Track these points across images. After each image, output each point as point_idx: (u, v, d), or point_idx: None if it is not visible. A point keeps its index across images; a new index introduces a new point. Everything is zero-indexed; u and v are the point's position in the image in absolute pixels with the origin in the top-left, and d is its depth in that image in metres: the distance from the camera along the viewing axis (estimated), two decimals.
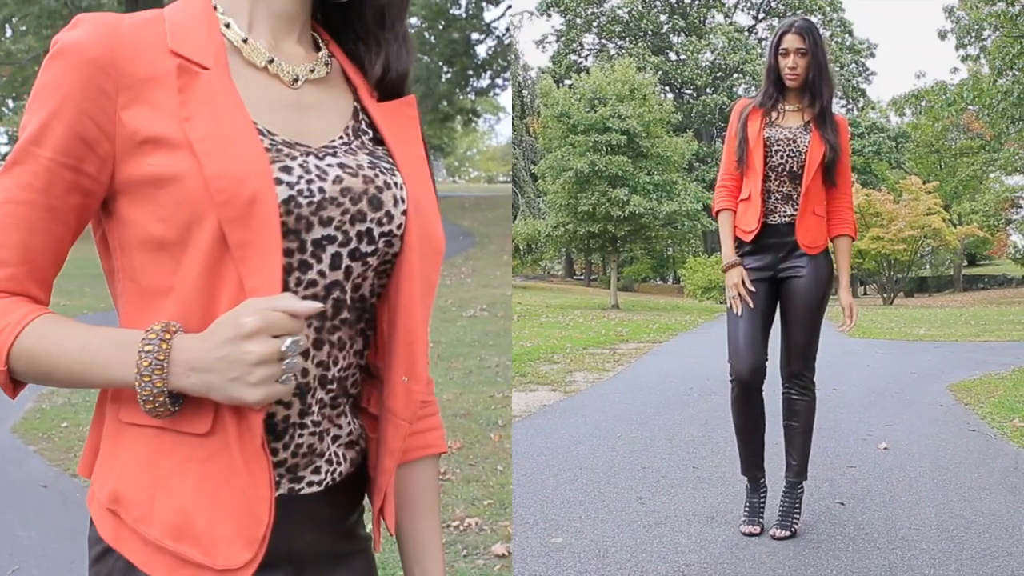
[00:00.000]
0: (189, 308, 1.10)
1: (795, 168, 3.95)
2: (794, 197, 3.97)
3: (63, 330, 1.11)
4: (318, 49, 1.30)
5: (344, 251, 1.17)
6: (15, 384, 1.14)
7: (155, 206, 1.09)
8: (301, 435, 1.19)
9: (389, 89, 1.31)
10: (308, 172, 1.14)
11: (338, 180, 1.16)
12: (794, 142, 3.94)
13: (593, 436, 6.33)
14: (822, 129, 3.94)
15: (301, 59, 1.25)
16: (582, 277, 33.98)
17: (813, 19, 32.40)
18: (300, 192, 1.12)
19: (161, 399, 1.07)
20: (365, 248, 1.19)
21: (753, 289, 3.97)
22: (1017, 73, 17.25)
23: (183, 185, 1.07)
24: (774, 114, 4.02)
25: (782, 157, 3.94)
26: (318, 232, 1.14)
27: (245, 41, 1.20)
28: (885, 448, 5.88)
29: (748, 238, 4.00)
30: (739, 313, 3.99)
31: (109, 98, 1.10)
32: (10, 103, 29.29)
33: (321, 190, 1.14)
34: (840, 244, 4.07)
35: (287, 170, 1.12)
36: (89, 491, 1.19)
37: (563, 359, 10.99)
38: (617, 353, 11.84)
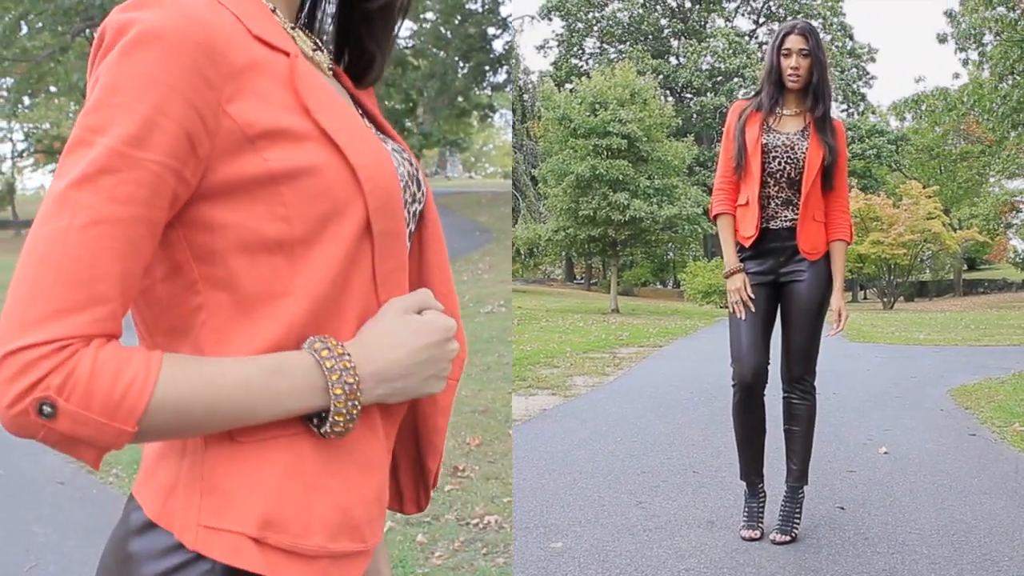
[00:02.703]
0: (318, 307, 1.05)
1: (793, 175, 3.95)
2: (794, 202, 3.97)
3: (208, 369, 0.98)
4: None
5: (408, 232, 1.20)
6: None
7: (271, 204, 1.01)
8: None
9: (362, 76, 1.34)
10: (392, 158, 1.16)
11: (401, 164, 1.18)
12: (792, 149, 3.93)
13: (593, 440, 6.32)
14: (822, 133, 3.94)
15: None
16: (582, 281, 33.98)
17: (813, 23, 32.44)
18: (400, 178, 1.15)
19: (355, 414, 1.04)
20: (412, 227, 1.22)
21: (754, 295, 3.98)
22: (1018, 78, 17.27)
23: (321, 178, 1.02)
24: (772, 119, 4.01)
25: (780, 164, 3.94)
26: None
27: (292, 28, 1.18)
28: (885, 452, 5.87)
29: (748, 243, 4.00)
30: (742, 318, 3.99)
31: (214, 89, 0.97)
32: (25, 100, 29.34)
33: (402, 175, 1.16)
34: (836, 248, 4.06)
35: (390, 156, 1.14)
36: (190, 533, 1.02)
37: (563, 363, 10.98)
38: (617, 357, 11.84)
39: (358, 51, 1.32)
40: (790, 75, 3.95)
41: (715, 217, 4.15)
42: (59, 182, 0.94)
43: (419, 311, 1.13)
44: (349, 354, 1.04)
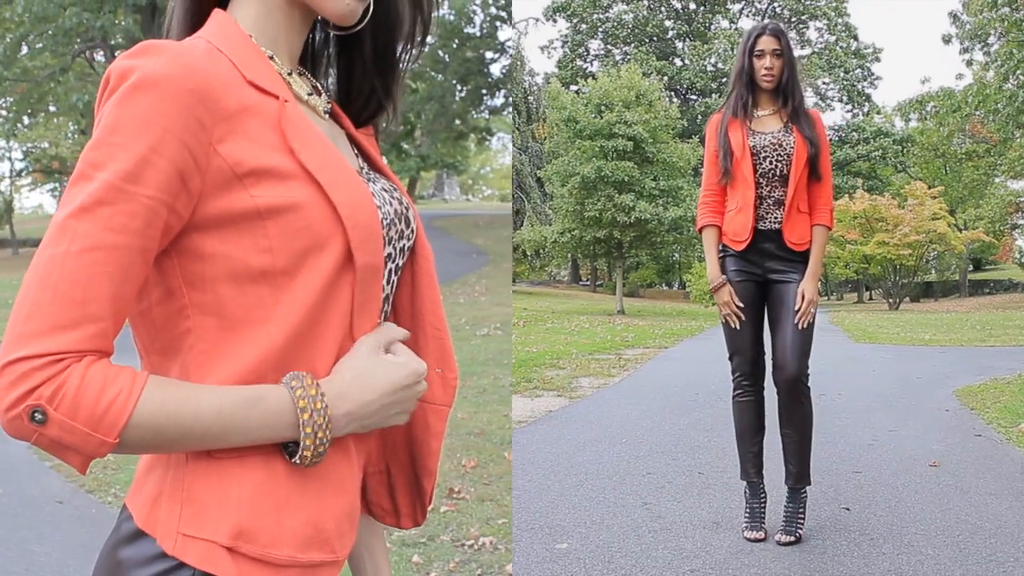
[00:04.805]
0: (296, 333, 1.12)
1: (784, 172, 3.97)
2: (784, 201, 3.99)
3: (185, 394, 1.07)
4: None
5: (393, 266, 1.28)
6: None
7: (256, 237, 1.09)
8: None
9: (366, 119, 1.42)
10: (377, 197, 1.23)
11: (389, 203, 1.26)
12: (780, 146, 3.96)
13: (598, 442, 6.33)
14: (800, 126, 3.98)
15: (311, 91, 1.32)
16: (588, 283, 33.97)
17: (818, 23, 32.45)
18: (385, 216, 1.22)
19: (322, 450, 1.14)
20: (399, 262, 1.30)
21: (744, 292, 4.01)
22: (1022, 77, 17.25)
23: (303, 214, 1.10)
24: (751, 121, 4.04)
25: (771, 163, 3.97)
26: (386, 251, 1.23)
27: (289, 74, 1.26)
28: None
29: (740, 247, 4.01)
30: (736, 328, 4.03)
31: (206, 130, 1.06)
32: (25, 119, 29.52)
33: (387, 213, 1.23)
34: (817, 233, 4.05)
35: (373, 195, 1.22)
36: (170, 540, 1.11)
37: (568, 365, 10.99)
38: (623, 359, 11.84)
39: (360, 93, 1.39)
40: (764, 75, 3.99)
41: (701, 229, 4.20)
42: (61, 211, 1.04)
43: (388, 345, 1.22)
44: (324, 394, 1.12)
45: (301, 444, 1.11)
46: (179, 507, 1.11)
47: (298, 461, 1.12)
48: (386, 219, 1.23)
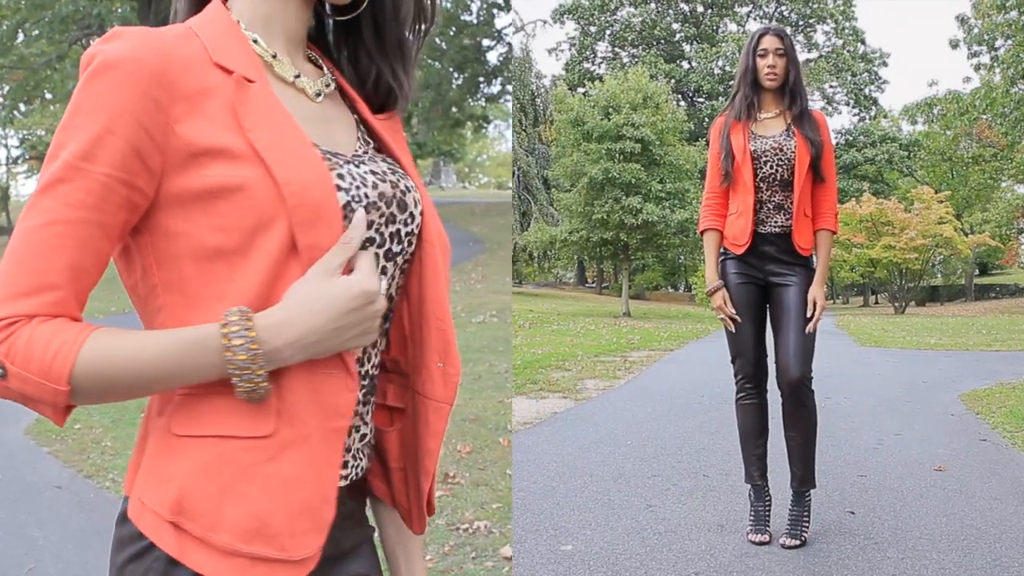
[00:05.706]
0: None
1: (786, 176, 3.98)
2: (786, 206, 4.00)
3: (129, 341, 1.12)
4: (315, 64, 1.37)
5: (380, 252, 1.26)
6: (66, 409, 1.13)
7: (211, 216, 1.13)
8: None
9: (384, 104, 1.40)
10: (355, 179, 1.22)
11: (375, 186, 1.24)
12: (781, 150, 3.97)
13: (603, 444, 6.34)
14: (803, 129, 3.98)
15: (311, 74, 1.32)
16: (593, 285, 33.97)
17: (825, 27, 32.45)
18: (354, 198, 1.20)
19: (262, 383, 1.12)
20: (395, 248, 1.28)
21: (745, 294, 4.04)
22: None
23: (249, 193, 1.12)
24: (754, 125, 4.05)
25: (772, 168, 3.97)
26: (367, 235, 1.22)
27: (275, 56, 1.26)
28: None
29: (740, 251, 4.02)
30: (733, 331, 4.05)
31: (163, 111, 1.11)
32: (22, 107, 29.53)
33: (366, 196, 1.22)
34: (821, 238, 4.08)
35: (341, 177, 1.20)
36: (133, 504, 1.19)
37: (574, 366, 10.99)
38: (628, 361, 11.84)
39: (367, 78, 1.40)
40: (767, 74, 4.01)
41: (702, 232, 4.22)
42: (34, 190, 1.12)
43: (348, 264, 1.18)
44: (250, 328, 1.11)
45: (233, 380, 1.12)
46: (144, 474, 1.19)
47: (242, 395, 1.13)
48: (360, 201, 1.20)
